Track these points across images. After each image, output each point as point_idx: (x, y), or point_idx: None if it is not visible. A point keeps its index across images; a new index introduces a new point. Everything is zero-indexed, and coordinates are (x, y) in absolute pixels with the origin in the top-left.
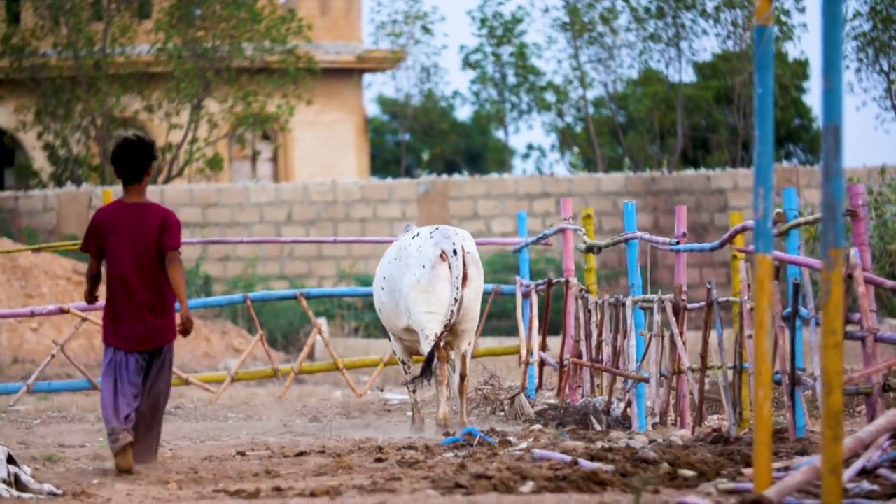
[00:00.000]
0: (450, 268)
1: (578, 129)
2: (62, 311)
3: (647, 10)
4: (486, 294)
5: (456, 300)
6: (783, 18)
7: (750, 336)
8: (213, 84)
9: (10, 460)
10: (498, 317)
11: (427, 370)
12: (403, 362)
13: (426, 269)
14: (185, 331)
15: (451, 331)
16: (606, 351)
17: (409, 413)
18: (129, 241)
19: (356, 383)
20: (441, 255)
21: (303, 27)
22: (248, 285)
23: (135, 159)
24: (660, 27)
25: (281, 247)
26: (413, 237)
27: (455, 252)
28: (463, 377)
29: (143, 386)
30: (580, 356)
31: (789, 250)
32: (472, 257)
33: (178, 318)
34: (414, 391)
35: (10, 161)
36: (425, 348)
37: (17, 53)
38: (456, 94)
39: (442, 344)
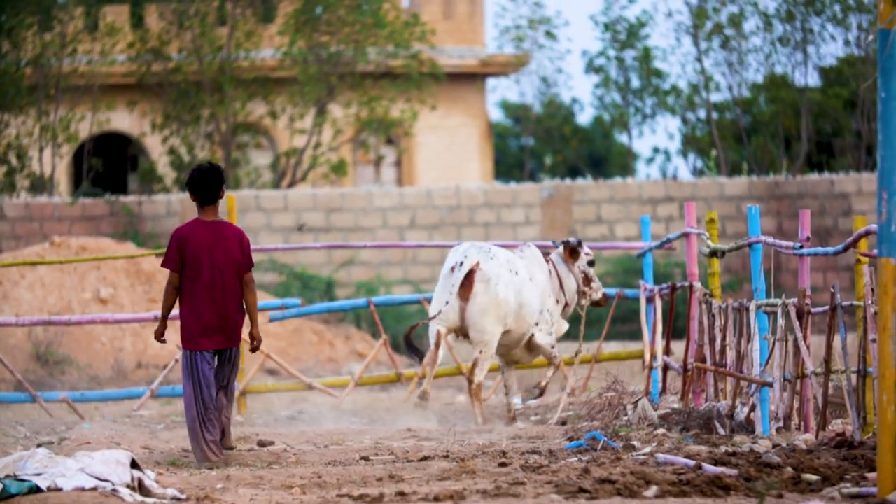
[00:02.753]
0: (451, 278)
1: (701, 132)
2: None
3: (777, 12)
4: (610, 298)
5: (447, 303)
6: None
7: (874, 340)
8: (337, 89)
9: (134, 465)
10: (622, 321)
11: (410, 353)
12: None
13: (441, 277)
14: (255, 347)
15: (466, 337)
16: (730, 355)
17: (530, 416)
18: (209, 256)
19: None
20: (451, 269)
21: (426, 32)
22: (372, 290)
23: (210, 183)
24: (787, 31)
25: (404, 251)
26: (478, 250)
27: (461, 264)
28: (470, 382)
29: (218, 380)
30: (704, 360)
31: None
32: (482, 275)
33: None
34: (473, 396)
35: (135, 166)
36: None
37: (141, 59)
38: (574, 100)
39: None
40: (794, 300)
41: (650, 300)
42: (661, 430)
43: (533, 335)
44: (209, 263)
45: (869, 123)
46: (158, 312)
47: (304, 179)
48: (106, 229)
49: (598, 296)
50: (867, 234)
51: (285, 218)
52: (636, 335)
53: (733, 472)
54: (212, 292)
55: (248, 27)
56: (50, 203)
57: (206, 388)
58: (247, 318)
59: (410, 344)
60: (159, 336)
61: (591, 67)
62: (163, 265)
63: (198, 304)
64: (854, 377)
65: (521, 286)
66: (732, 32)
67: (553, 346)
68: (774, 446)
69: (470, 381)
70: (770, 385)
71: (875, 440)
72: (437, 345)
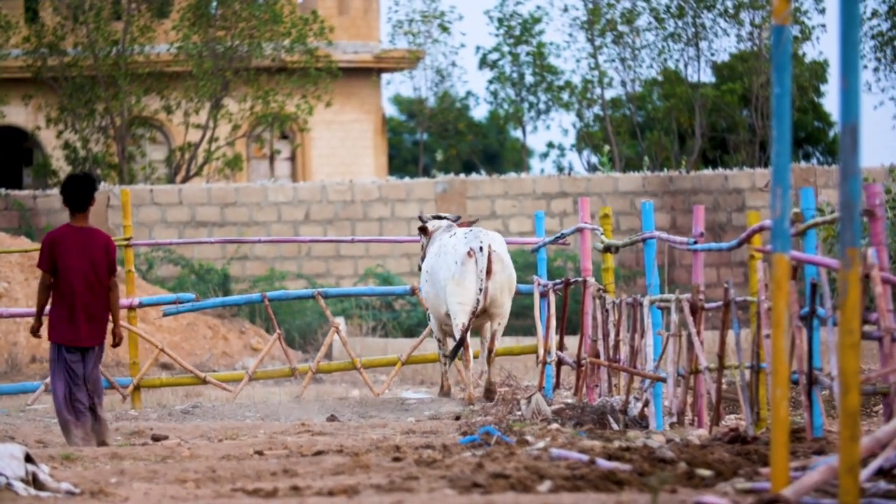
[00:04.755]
0: (476, 263)
1: (596, 128)
2: None
3: (667, 9)
4: None
5: (480, 290)
6: (801, 19)
7: (767, 336)
8: (232, 84)
9: (28, 459)
10: (515, 316)
11: (454, 354)
12: (439, 340)
13: (458, 264)
14: (117, 344)
15: (483, 314)
16: (624, 350)
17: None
18: (79, 259)
19: (374, 382)
20: (469, 253)
21: (324, 28)
22: (267, 284)
23: (81, 192)
24: (679, 27)
25: (299, 246)
26: (451, 237)
27: (481, 249)
28: (490, 351)
29: (84, 379)
30: (598, 356)
31: (807, 250)
32: (497, 255)
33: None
34: (445, 364)
35: (29, 160)
36: (456, 335)
37: (37, 53)
38: (469, 94)
39: (470, 325)
40: (688, 295)
41: (544, 295)
42: (554, 425)
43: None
44: (78, 266)
45: (763, 119)
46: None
47: (198, 174)
48: (0, 224)
49: None
50: (761, 229)
51: (180, 212)
52: (530, 330)
53: (627, 467)
54: (80, 292)
55: (143, 22)
56: None
57: (73, 381)
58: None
59: (459, 348)
60: (35, 332)
61: (484, 63)
62: (38, 266)
63: (66, 303)
64: (747, 373)
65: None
66: (626, 28)
67: None
68: (668, 441)
69: (491, 351)
70: (664, 380)
71: (768, 435)
72: (467, 347)
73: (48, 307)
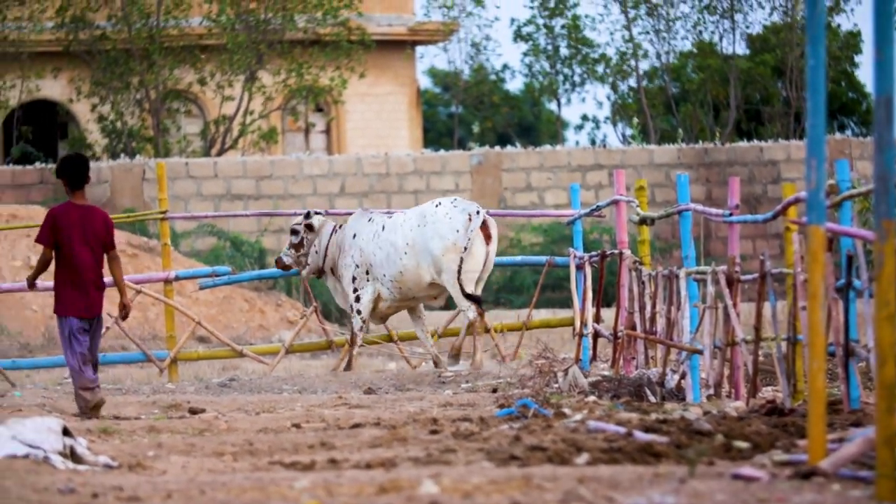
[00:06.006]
0: (484, 229)
1: (631, 100)
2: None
3: None
4: (539, 266)
5: (487, 254)
6: None
7: (803, 308)
8: (266, 56)
9: (66, 432)
10: (552, 288)
11: (479, 321)
12: (364, 320)
13: (459, 232)
14: (125, 315)
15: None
16: (660, 323)
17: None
18: (81, 234)
19: (410, 355)
20: (469, 218)
21: (353, 0)
22: None
23: (79, 170)
24: None
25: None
26: (436, 206)
27: (478, 212)
28: (482, 315)
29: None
30: (634, 328)
31: (842, 222)
32: (491, 220)
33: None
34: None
35: (64, 134)
36: (463, 306)
37: (71, 26)
38: (505, 67)
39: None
40: (724, 268)
41: (580, 268)
42: (591, 398)
43: None
44: (79, 240)
45: (797, 91)
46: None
47: (233, 147)
48: (36, 197)
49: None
50: (796, 201)
51: (215, 185)
52: (566, 303)
53: (664, 439)
54: (86, 263)
55: None
56: None
57: (80, 349)
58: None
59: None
60: (30, 285)
61: (519, 35)
62: (36, 241)
63: (68, 276)
64: (784, 345)
65: None
66: (660, 0)
67: None
68: (705, 413)
69: (482, 314)
70: (700, 352)
71: (805, 407)
72: (481, 314)
73: (49, 283)
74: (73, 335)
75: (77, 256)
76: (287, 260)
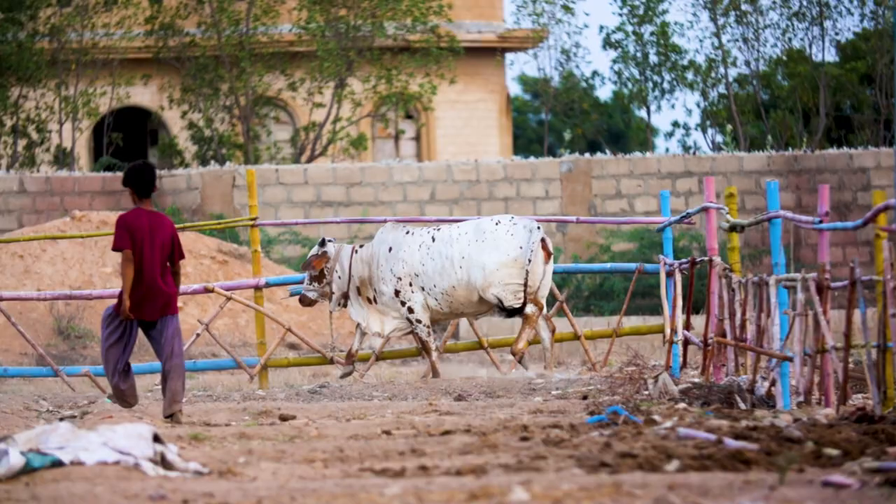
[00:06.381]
0: (543, 246)
1: (720, 107)
2: (207, 291)
3: None
4: (629, 273)
5: (545, 272)
6: None
7: (893, 315)
8: (356, 63)
9: (157, 439)
10: (642, 295)
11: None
12: (427, 325)
13: (523, 248)
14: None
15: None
16: (750, 330)
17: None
18: (150, 239)
19: (500, 362)
20: (531, 235)
21: (443, 7)
22: None
23: (146, 179)
24: (804, 6)
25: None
26: (496, 223)
27: (538, 228)
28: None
29: (159, 352)
30: (724, 335)
31: None
32: (547, 238)
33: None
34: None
35: (155, 140)
36: (517, 305)
37: (161, 33)
38: (595, 74)
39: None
40: (814, 275)
41: (670, 275)
42: (681, 405)
43: None
44: (149, 245)
45: (887, 98)
46: (180, 286)
47: (323, 154)
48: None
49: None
50: (886, 208)
51: (305, 192)
52: (656, 310)
53: (754, 446)
54: (149, 269)
55: (267, 2)
56: (71, 177)
57: (129, 349)
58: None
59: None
60: (126, 313)
61: (608, 42)
62: (116, 247)
63: (136, 279)
64: (874, 352)
65: None
66: (749, 7)
67: None
68: (795, 421)
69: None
70: (790, 360)
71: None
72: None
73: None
74: (128, 336)
75: (147, 260)
76: (312, 295)
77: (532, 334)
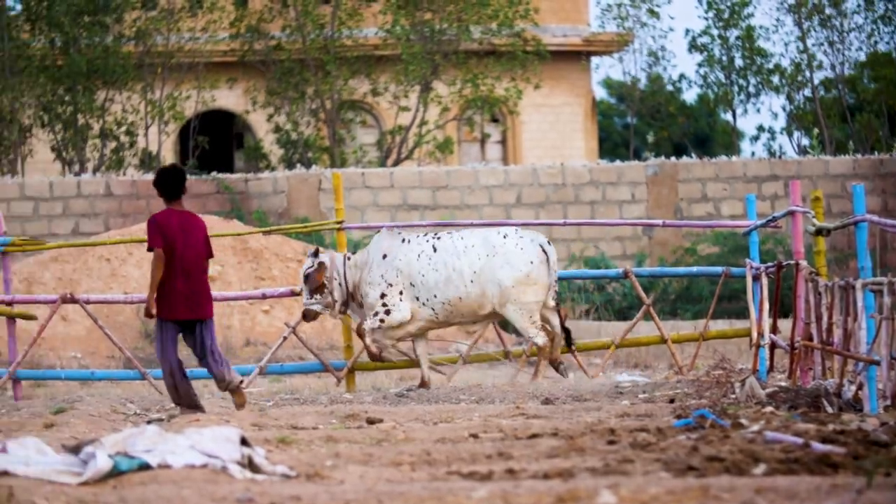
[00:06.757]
0: (548, 260)
1: (806, 110)
2: (294, 294)
3: None
4: (716, 276)
5: (555, 282)
6: None
7: None
8: (441, 67)
9: (244, 442)
10: (728, 299)
11: (568, 341)
12: (382, 328)
13: (534, 263)
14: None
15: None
16: (837, 333)
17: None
18: (183, 240)
19: (587, 366)
20: (541, 250)
21: (529, 10)
22: None
23: (173, 182)
24: (890, 9)
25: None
26: (504, 237)
27: (550, 242)
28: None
29: (197, 350)
30: (811, 339)
31: None
32: (552, 249)
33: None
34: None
35: (240, 143)
36: (531, 334)
37: (246, 36)
38: (682, 77)
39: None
40: None
41: (756, 278)
42: (769, 408)
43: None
44: (181, 243)
45: None
46: (267, 290)
47: (409, 157)
48: (212, 207)
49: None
50: None
51: (391, 196)
52: (742, 313)
53: (841, 450)
54: (186, 267)
55: (352, 5)
56: None
57: (174, 349)
58: None
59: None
60: (149, 313)
61: (694, 46)
62: (150, 246)
63: (172, 279)
64: None
65: None
66: (833, 11)
67: None
68: (882, 424)
69: (553, 339)
70: (878, 363)
71: None
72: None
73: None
74: (169, 338)
75: (182, 259)
76: (317, 307)
77: (546, 364)
